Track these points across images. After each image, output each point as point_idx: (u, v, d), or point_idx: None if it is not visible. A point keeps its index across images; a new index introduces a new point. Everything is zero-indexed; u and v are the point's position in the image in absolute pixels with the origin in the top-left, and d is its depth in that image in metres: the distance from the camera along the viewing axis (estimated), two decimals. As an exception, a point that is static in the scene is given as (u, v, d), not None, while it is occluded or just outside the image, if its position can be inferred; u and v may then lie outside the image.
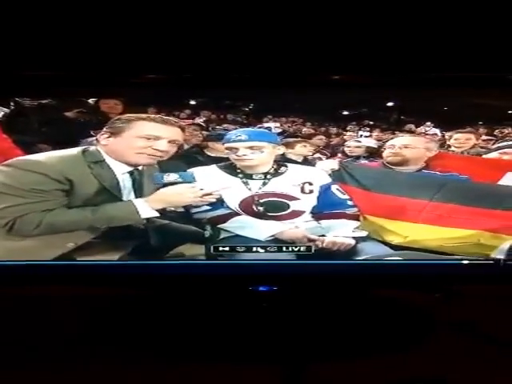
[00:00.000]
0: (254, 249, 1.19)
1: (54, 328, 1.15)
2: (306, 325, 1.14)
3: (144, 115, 1.08)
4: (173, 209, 1.13)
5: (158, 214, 1.10)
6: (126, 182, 1.12)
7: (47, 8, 1.16)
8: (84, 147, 1.10)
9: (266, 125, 1.20)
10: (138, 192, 1.13)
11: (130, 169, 1.12)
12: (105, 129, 1.08)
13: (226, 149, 1.19)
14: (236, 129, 1.18)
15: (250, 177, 1.21)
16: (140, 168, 1.13)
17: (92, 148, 1.10)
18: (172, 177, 1.08)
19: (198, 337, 1.10)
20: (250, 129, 1.18)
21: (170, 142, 1.09)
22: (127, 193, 1.13)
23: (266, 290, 1.15)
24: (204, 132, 1.21)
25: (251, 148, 1.18)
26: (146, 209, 1.08)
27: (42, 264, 1.12)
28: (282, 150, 1.21)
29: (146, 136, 1.06)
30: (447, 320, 1.20)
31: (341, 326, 1.15)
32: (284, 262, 1.19)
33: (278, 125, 1.22)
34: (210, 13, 1.18)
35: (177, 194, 1.09)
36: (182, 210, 1.15)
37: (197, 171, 1.17)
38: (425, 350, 1.08)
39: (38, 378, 1.00)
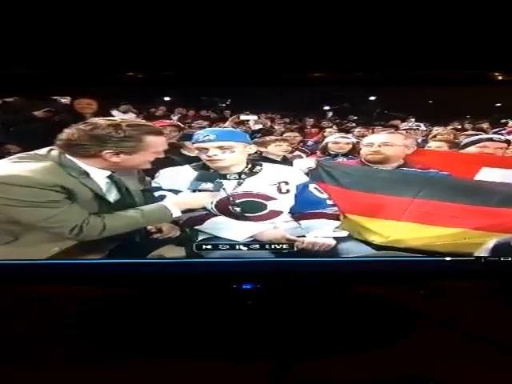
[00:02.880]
0: (237, 247, 1.15)
1: (42, 328, 1.15)
2: (292, 322, 1.12)
3: (151, 129, 1.09)
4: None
5: (181, 214, 1.14)
6: (108, 185, 1.12)
7: (19, 5, 1.16)
8: (56, 158, 1.07)
9: (243, 117, 1.18)
10: (124, 193, 1.13)
11: (109, 173, 1.11)
12: (111, 147, 1.07)
13: (196, 149, 1.17)
14: (210, 127, 1.17)
15: (224, 177, 1.17)
16: (113, 170, 1.12)
17: (62, 157, 1.07)
18: (208, 185, 1.14)
19: (183, 335, 1.09)
20: (217, 128, 1.16)
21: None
22: (114, 196, 1.13)
23: (250, 287, 1.14)
24: (180, 132, 1.19)
25: (221, 148, 1.15)
26: (176, 210, 1.13)
27: (24, 264, 1.11)
28: (253, 148, 1.19)
29: (160, 152, 1.11)
30: (432, 317, 1.18)
31: (326, 323, 1.13)
32: (267, 259, 1.15)
33: (255, 122, 1.20)
34: (188, 11, 1.19)
35: (200, 198, 1.15)
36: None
37: (171, 172, 1.16)
38: (410, 346, 1.06)
39: (28, 378, 0.98)
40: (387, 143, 1.22)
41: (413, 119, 1.23)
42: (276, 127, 1.22)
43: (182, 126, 1.18)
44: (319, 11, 1.22)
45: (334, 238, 1.17)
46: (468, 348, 1.06)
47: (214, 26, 1.22)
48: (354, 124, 1.22)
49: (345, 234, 1.18)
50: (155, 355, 1.03)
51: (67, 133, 1.07)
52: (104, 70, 1.13)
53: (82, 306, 1.21)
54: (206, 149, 1.15)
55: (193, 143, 1.16)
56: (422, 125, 1.24)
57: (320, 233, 1.17)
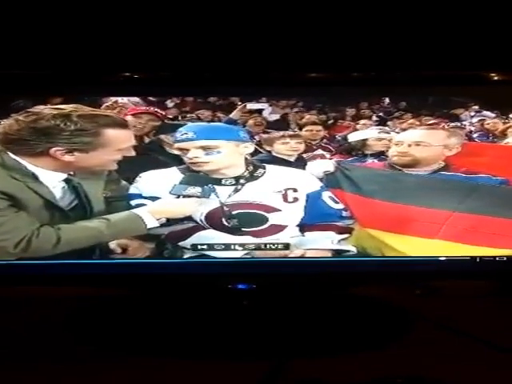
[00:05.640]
0: (232, 247, 1.01)
1: (39, 328, 1.09)
2: (289, 322, 1.08)
3: (111, 120, 0.93)
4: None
5: (158, 225, 0.99)
6: (63, 191, 0.96)
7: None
8: None
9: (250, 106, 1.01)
10: (86, 200, 0.97)
11: (65, 176, 0.95)
12: (61, 144, 0.90)
13: (178, 149, 0.98)
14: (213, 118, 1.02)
15: (218, 182, 0.99)
16: (72, 173, 0.96)
17: (4, 156, 0.91)
18: (195, 190, 0.97)
19: (179, 335, 1.04)
20: (199, 124, 0.99)
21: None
22: (71, 204, 0.97)
23: (246, 288, 1.07)
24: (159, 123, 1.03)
25: (203, 148, 0.96)
26: (151, 220, 0.97)
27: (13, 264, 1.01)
28: (250, 147, 0.99)
29: (126, 149, 0.95)
30: (432, 317, 1.12)
31: (322, 323, 1.08)
32: (263, 259, 1.02)
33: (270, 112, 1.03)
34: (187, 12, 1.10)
35: (184, 206, 0.99)
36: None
37: (150, 173, 1.00)
38: (410, 346, 1.02)
39: (26, 378, 0.93)
40: (421, 142, 1.00)
41: (476, 106, 1.02)
42: (296, 119, 1.03)
43: (162, 114, 1.01)
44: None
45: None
46: (467, 348, 1.02)
47: (214, 26, 1.11)
48: (403, 112, 1.02)
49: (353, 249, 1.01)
50: (151, 356, 0.98)
51: (4, 125, 0.90)
52: (103, 70, 1.04)
53: (79, 307, 1.16)
54: (187, 149, 0.97)
55: (173, 142, 0.99)
56: (490, 114, 1.03)
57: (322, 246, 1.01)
